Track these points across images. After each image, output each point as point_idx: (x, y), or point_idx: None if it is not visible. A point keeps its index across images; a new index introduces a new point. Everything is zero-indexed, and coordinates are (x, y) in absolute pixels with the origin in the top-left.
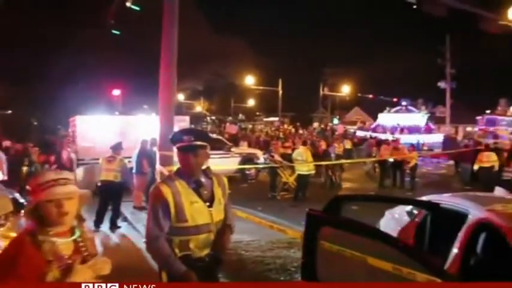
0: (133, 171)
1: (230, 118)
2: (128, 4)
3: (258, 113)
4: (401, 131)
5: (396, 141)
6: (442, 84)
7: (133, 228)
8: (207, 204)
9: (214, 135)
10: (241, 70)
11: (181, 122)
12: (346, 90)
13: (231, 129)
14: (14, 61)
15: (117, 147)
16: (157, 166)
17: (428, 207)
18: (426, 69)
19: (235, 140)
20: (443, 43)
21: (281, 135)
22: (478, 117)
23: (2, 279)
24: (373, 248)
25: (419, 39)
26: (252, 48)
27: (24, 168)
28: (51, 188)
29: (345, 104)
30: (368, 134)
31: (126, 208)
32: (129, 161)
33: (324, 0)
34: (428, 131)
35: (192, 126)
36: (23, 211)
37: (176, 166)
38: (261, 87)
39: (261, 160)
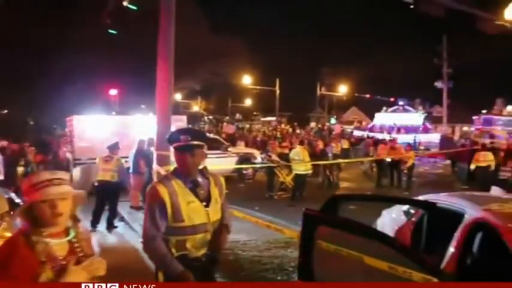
0: (131, 171)
1: (227, 118)
2: (125, 3)
3: (255, 113)
4: (398, 130)
5: (393, 140)
6: (439, 84)
7: (130, 228)
8: (204, 204)
9: (211, 135)
10: (239, 70)
11: (179, 122)
12: (343, 90)
13: (228, 128)
14: (10, 61)
15: (114, 147)
16: (154, 166)
17: (425, 207)
18: (423, 69)
19: (232, 140)
20: (440, 43)
21: (278, 135)
22: (475, 117)
23: None
24: (370, 248)
25: (417, 39)
26: (249, 47)
27: (20, 169)
28: (45, 188)
29: (342, 103)
30: (365, 133)
31: (123, 208)
32: (126, 161)
33: (322, 0)
34: (425, 130)
35: (190, 125)
36: (14, 211)
37: (173, 166)
38: (258, 87)
39: (258, 160)
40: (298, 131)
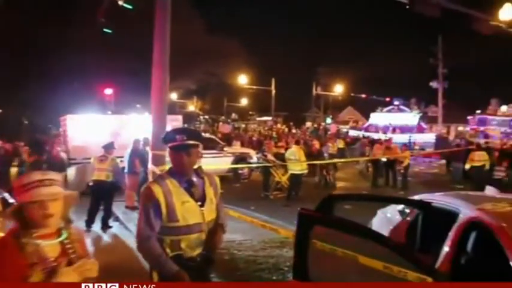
0: (126, 170)
1: (223, 117)
2: (120, 2)
3: (251, 113)
4: (394, 130)
5: (389, 140)
6: (434, 84)
7: (125, 228)
8: (199, 203)
9: (207, 135)
10: (235, 69)
11: (174, 121)
12: (339, 89)
13: (224, 128)
14: (5, 60)
15: (109, 147)
16: (150, 166)
17: (420, 206)
18: (419, 69)
19: (228, 140)
20: (435, 43)
21: (274, 134)
22: (470, 117)
23: None
24: (365, 247)
25: (412, 39)
26: (245, 47)
27: (14, 169)
28: (35, 189)
29: (338, 103)
30: (361, 133)
31: (118, 208)
32: (121, 161)
33: (317, 0)
34: (420, 130)
35: (185, 125)
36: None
37: (168, 165)
38: (254, 87)
39: (254, 159)
40: (294, 131)
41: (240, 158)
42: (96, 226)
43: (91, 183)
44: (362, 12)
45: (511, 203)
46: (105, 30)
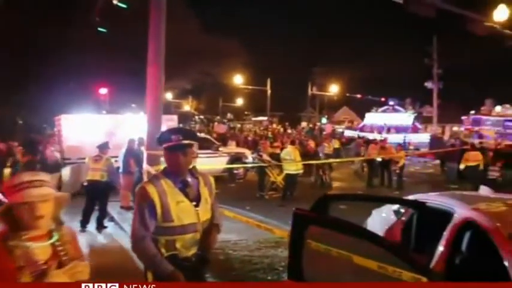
0: (121, 170)
1: (218, 117)
2: (115, 1)
3: (246, 113)
4: (388, 130)
5: (384, 140)
6: (429, 85)
7: (120, 228)
8: (194, 203)
9: (202, 135)
10: (230, 69)
11: (170, 121)
12: (334, 89)
13: (220, 128)
14: (3, 60)
15: (103, 147)
16: (145, 165)
17: (415, 206)
18: (414, 69)
19: (223, 140)
20: (430, 44)
21: (270, 134)
22: (464, 117)
23: None
24: (360, 247)
25: (408, 39)
26: (240, 47)
27: (8, 169)
28: (25, 190)
29: (333, 103)
30: (356, 133)
31: (113, 208)
32: (116, 161)
33: (313, 0)
34: (415, 130)
35: (180, 125)
36: None
37: (163, 165)
38: (249, 87)
39: (250, 159)
40: (289, 131)
41: (235, 158)
42: (91, 226)
43: (85, 183)
44: (358, 12)
45: (505, 202)
46: (100, 29)
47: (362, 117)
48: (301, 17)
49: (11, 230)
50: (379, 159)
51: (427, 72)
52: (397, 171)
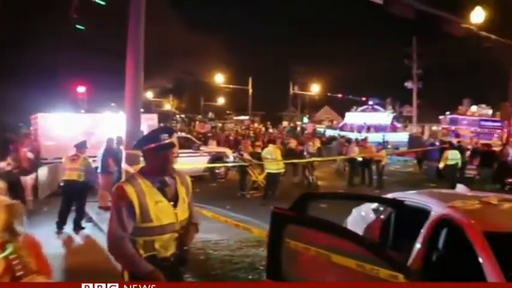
0: (99, 170)
1: (200, 116)
2: None
3: (228, 112)
4: (368, 129)
5: (364, 140)
6: (409, 85)
7: (98, 229)
8: (172, 203)
9: (183, 134)
10: (211, 68)
11: (150, 120)
12: (315, 89)
13: (200, 127)
14: None
15: (81, 146)
16: (123, 165)
17: (393, 205)
18: (395, 69)
19: (204, 139)
20: (410, 44)
21: (251, 134)
22: (441, 117)
23: None
24: (338, 246)
25: (388, 40)
26: (222, 46)
27: None
28: None
29: (315, 103)
30: (336, 132)
31: (91, 208)
32: (94, 160)
33: (294, 0)
34: (394, 129)
35: (161, 124)
36: None
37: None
38: (231, 86)
39: (231, 159)
40: (271, 130)
41: (216, 157)
42: (69, 227)
43: (62, 184)
44: (339, 12)
45: (480, 200)
46: (78, 26)
47: (343, 117)
48: (283, 16)
49: None
50: (359, 158)
51: (407, 72)
52: (380, 169)
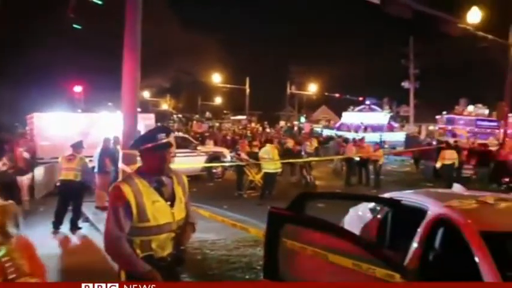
0: (96, 170)
1: (197, 116)
2: None
3: (225, 111)
4: (365, 129)
5: (361, 139)
6: (406, 84)
7: (95, 229)
8: (168, 203)
9: (180, 134)
10: (209, 68)
11: (147, 120)
12: (313, 89)
13: (197, 127)
14: None
15: (78, 146)
16: (120, 165)
17: (390, 204)
18: (392, 69)
19: (202, 139)
20: (407, 44)
21: (248, 133)
22: (438, 117)
23: None
24: (335, 245)
25: (386, 40)
26: (219, 46)
27: None
28: None
29: (312, 102)
30: (333, 132)
31: (88, 208)
32: (91, 160)
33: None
34: (390, 129)
35: (158, 124)
36: None
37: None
38: (228, 86)
39: (228, 158)
40: (268, 130)
41: (214, 157)
42: (65, 227)
43: (58, 183)
44: (338, 12)
45: (477, 199)
46: (75, 26)
47: (340, 117)
48: (281, 16)
49: None
50: (357, 158)
51: (404, 72)
52: (377, 169)
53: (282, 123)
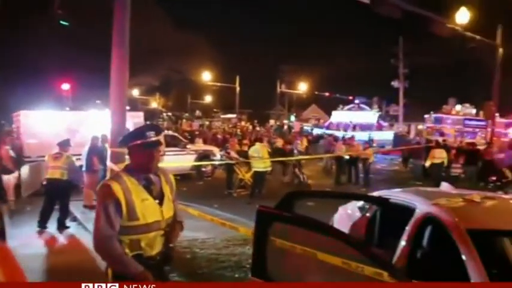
0: (84, 168)
1: (187, 114)
2: None
3: (215, 110)
4: (354, 128)
5: (351, 138)
6: (395, 84)
7: (83, 228)
8: (157, 201)
9: (170, 132)
10: (198, 66)
11: (136, 118)
12: (303, 87)
13: (188, 125)
14: None
15: (64, 144)
16: (108, 163)
17: (379, 203)
18: (382, 69)
19: (192, 137)
20: (397, 44)
21: (238, 132)
22: (426, 116)
23: None
24: (324, 244)
25: (376, 39)
26: (209, 44)
27: None
28: None
29: (302, 101)
30: (322, 131)
31: (75, 207)
32: (79, 158)
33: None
34: (379, 128)
35: (147, 122)
36: None
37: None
38: (218, 84)
39: (218, 157)
40: (258, 129)
41: (203, 156)
42: (52, 227)
43: (45, 182)
44: (328, 12)
45: (464, 198)
46: (62, 22)
47: (330, 115)
48: (270, 15)
49: None
50: (346, 156)
51: (394, 71)
52: (367, 168)
53: (272, 121)
